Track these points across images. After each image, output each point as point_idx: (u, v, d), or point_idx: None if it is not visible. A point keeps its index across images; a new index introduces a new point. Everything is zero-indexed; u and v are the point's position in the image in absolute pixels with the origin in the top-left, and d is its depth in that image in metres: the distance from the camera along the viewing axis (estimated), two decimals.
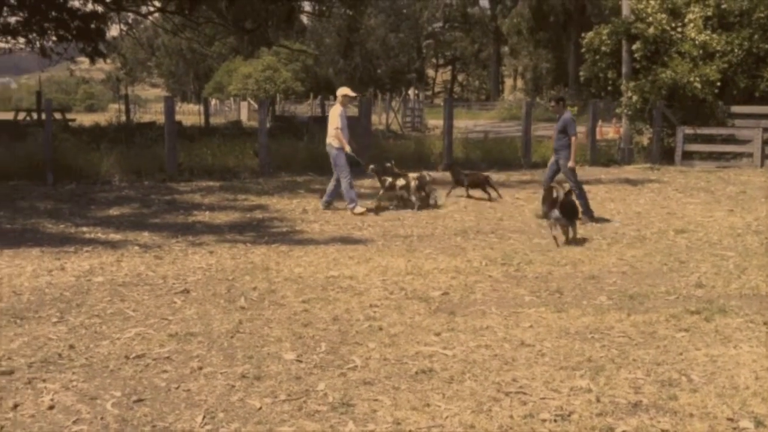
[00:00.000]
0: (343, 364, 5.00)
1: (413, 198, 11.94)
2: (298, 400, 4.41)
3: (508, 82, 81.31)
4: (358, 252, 8.72)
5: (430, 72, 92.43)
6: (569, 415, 4.18)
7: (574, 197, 9.96)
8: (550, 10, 59.37)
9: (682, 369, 4.91)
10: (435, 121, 37.15)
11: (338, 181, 11.67)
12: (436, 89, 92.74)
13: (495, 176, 16.37)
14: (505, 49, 74.02)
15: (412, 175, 12.15)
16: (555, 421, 4.11)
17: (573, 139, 10.75)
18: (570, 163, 10.75)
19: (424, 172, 12.45)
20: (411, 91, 44.30)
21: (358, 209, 11.38)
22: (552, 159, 11.32)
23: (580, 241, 9.20)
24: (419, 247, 8.99)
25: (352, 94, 11.96)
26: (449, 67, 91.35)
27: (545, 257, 8.37)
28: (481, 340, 5.47)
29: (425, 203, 12.13)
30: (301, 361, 5.06)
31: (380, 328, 5.77)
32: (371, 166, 12.25)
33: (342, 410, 4.27)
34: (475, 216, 11.41)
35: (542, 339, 5.51)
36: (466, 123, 31.16)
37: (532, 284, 7.18)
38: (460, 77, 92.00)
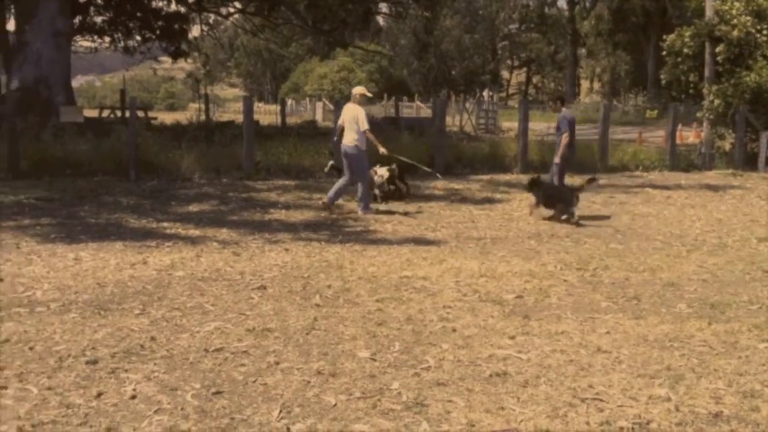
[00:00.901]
0: (417, 364, 5.02)
1: (376, 191, 12.50)
2: (372, 398, 4.45)
3: (584, 84, 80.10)
4: (431, 253, 8.73)
5: (505, 73, 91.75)
6: (647, 424, 4.11)
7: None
8: (629, 12, 58.26)
9: (764, 380, 4.77)
10: (509, 123, 36.89)
11: (349, 181, 11.58)
12: (510, 91, 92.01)
13: (571, 180, 16.21)
14: (582, 50, 72.97)
15: (382, 169, 12.56)
16: (633, 429, 4.05)
17: (564, 136, 11.46)
18: (556, 159, 11.61)
19: (394, 166, 12.71)
20: (485, 93, 44.07)
21: (370, 215, 11.34)
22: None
23: (657, 248, 9.02)
24: (492, 250, 8.95)
25: (369, 94, 12.19)
26: (524, 69, 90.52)
27: (622, 263, 8.23)
28: (557, 345, 5.42)
29: (395, 196, 12.83)
30: (375, 360, 5.11)
31: (454, 330, 5.78)
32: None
33: (416, 410, 4.29)
34: (549, 219, 11.28)
35: (619, 346, 5.42)
36: (541, 125, 30.83)
37: (608, 290, 7.07)
38: (535, 79, 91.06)
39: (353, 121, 11.13)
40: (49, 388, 4.53)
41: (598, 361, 5.10)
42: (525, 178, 15.80)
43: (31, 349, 5.22)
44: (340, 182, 11.61)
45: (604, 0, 60.43)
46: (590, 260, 8.36)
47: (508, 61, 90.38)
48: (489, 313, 6.24)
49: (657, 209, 12.44)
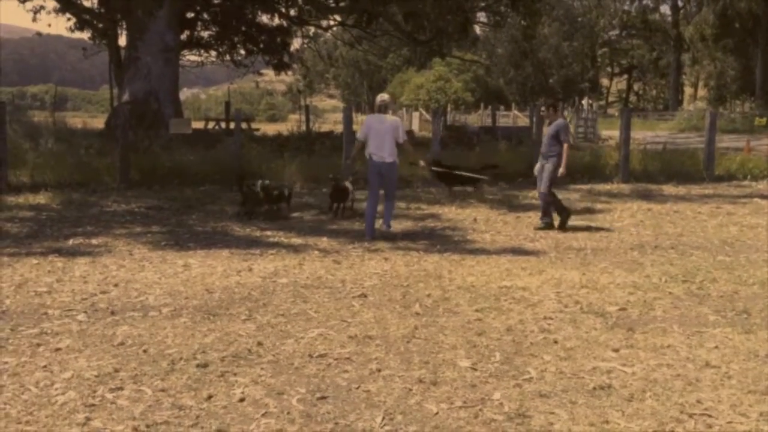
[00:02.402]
0: (518, 375, 5.01)
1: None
2: (474, 408, 4.47)
3: (688, 91, 77.73)
4: (530, 263, 8.67)
5: (604, 81, 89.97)
6: None
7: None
8: (736, 15, 56.24)
9: None
10: (608, 132, 36.12)
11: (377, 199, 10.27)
12: (610, 99, 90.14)
13: (674, 190, 15.81)
14: (686, 56, 70.88)
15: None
16: None
17: (566, 146, 10.78)
18: (561, 170, 10.80)
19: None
20: (584, 101, 43.33)
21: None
22: (538, 166, 11.12)
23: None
24: (593, 261, 8.81)
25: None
26: (625, 76, 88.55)
27: (731, 276, 7.97)
28: (663, 359, 5.31)
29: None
30: (476, 369, 5.12)
31: (555, 341, 5.73)
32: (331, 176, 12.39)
33: (518, 421, 4.28)
34: (652, 230, 11.03)
35: (728, 361, 5.26)
36: (644, 134, 30.11)
37: (716, 303, 6.86)
38: (636, 86, 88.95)
39: (391, 131, 9.96)
40: (162, 390, 4.73)
41: (706, 376, 4.97)
42: (627, 188, 15.55)
43: (144, 351, 5.46)
44: (371, 205, 10.14)
45: (710, 4, 58.54)
46: (696, 272, 8.13)
47: (608, 69, 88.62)
48: (591, 325, 6.16)
49: (766, 220, 11.97)
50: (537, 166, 11.20)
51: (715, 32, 58.23)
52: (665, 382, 4.88)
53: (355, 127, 17.62)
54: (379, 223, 10.35)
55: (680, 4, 71.31)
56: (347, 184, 11.95)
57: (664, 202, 14.10)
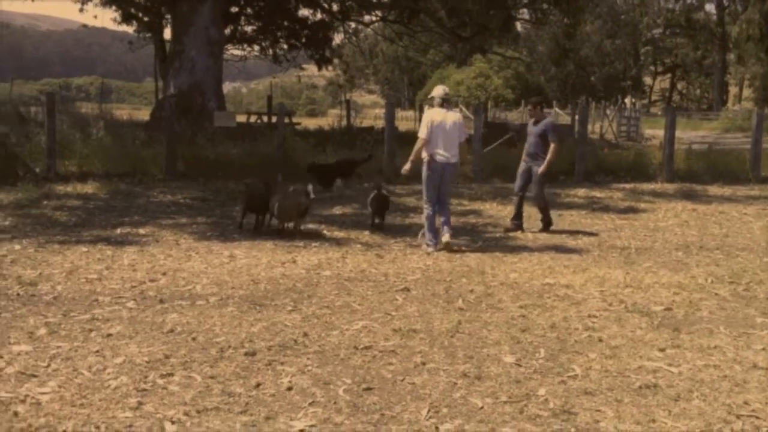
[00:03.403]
0: (563, 372, 5.02)
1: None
2: (519, 403, 4.49)
3: (732, 90, 76.45)
4: (573, 261, 8.65)
5: (647, 79, 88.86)
6: None
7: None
8: None
9: None
10: (651, 131, 35.78)
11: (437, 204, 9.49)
12: (653, 98, 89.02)
13: (720, 190, 15.61)
14: (731, 56, 69.70)
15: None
16: None
17: (553, 145, 10.23)
18: (541, 169, 10.25)
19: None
20: (627, 99, 42.86)
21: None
22: (523, 167, 10.62)
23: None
24: (638, 260, 8.76)
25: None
26: (668, 75, 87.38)
27: None
28: (709, 360, 5.28)
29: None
30: (520, 365, 5.14)
31: (600, 339, 5.72)
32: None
33: (563, 417, 4.30)
34: (697, 231, 10.92)
35: None
36: (687, 134, 29.75)
37: (763, 305, 6.79)
38: (680, 85, 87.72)
39: (457, 129, 9.13)
40: (211, 377, 4.83)
41: (753, 378, 4.94)
42: (671, 188, 15.39)
43: (193, 339, 5.57)
44: (432, 212, 9.27)
45: (755, 3, 57.41)
46: (743, 274, 8.05)
47: (651, 67, 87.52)
48: (636, 324, 6.14)
49: None
50: (522, 167, 10.60)
51: (762, 31, 57.11)
52: (712, 382, 4.86)
53: (397, 123, 17.70)
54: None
55: (725, 2, 70.15)
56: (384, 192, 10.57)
57: (709, 202, 13.94)
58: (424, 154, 9.14)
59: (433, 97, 9.36)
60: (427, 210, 9.27)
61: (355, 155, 15.50)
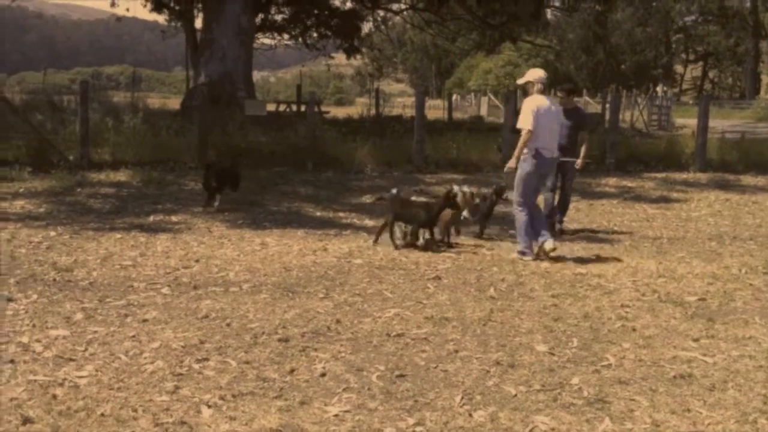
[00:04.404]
0: (597, 361, 5.01)
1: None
2: (552, 391, 4.49)
3: (765, 80, 75.27)
4: (604, 251, 8.60)
5: (678, 68, 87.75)
6: None
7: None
8: None
9: None
10: (682, 120, 35.36)
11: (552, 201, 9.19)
12: (684, 86, 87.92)
13: (753, 180, 15.41)
14: (764, 44, 68.62)
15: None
16: None
17: (587, 137, 9.63)
18: (581, 163, 9.44)
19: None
20: (659, 88, 42.38)
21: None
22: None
23: None
24: (670, 250, 8.69)
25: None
26: (700, 63, 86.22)
27: None
28: (744, 350, 5.23)
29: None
30: (553, 354, 5.13)
31: (633, 329, 5.69)
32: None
33: (597, 406, 4.29)
34: (731, 221, 10.81)
35: None
36: (720, 122, 29.37)
37: None
38: (711, 74, 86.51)
39: (558, 119, 8.32)
40: (246, 362, 4.88)
41: None
42: (704, 178, 15.22)
43: (228, 325, 5.63)
44: (529, 215, 8.15)
45: None
46: None
47: (683, 55, 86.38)
48: (670, 314, 6.10)
49: None
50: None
51: None
52: (747, 373, 4.82)
53: (426, 112, 17.64)
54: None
55: None
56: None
57: (743, 192, 13.79)
58: (525, 149, 7.98)
59: (530, 82, 8.11)
60: (521, 212, 8.11)
61: None
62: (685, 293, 6.74)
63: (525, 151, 7.96)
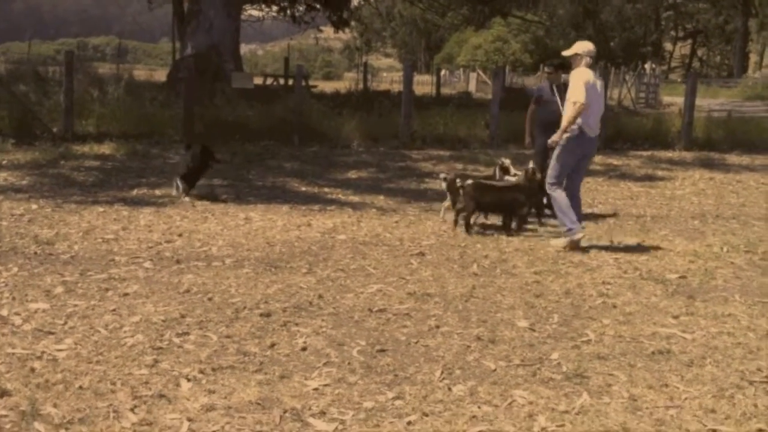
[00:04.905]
0: (577, 337, 5.04)
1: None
2: (532, 366, 4.52)
3: (753, 58, 75.28)
4: (588, 228, 8.58)
5: (667, 45, 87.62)
6: None
7: None
8: None
9: None
10: (670, 98, 35.30)
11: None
12: (673, 64, 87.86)
13: (738, 159, 15.47)
14: (752, 22, 68.56)
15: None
16: None
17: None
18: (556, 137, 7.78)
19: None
20: (648, 65, 42.33)
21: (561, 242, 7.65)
22: (542, 142, 8.68)
23: None
24: (653, 228, 8.73)
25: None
26: (689, 41, 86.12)
27: None
28: (723, 327, 5.28)
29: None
30: (534, 330, 5.16)
31: (614, 306, 5.73)
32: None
33: (576, 381, 4.32)
34: (714, 200, 10.85)
35: None
36: (707, 101, 29.44)
37: None
38: (700, 52, 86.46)
39: (603, 94, 7.86)
40: (227, 337, 4.88)
41: (767, 345, 4.93)
42: (689, 156, 15.27)
43: (210, 299, 5.62)
44: (561, 191, 7.62)
45: None
46: (759, 243, 7.99)
47: (672, 32, 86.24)
48: (651, 291, 6.14)
49: None
50: (541, 143, 8.84)
51: None
52: (725, 349, 4.86)
53: (414, 87, 17.56)
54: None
55: None
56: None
57: (727, 171, 13.83)
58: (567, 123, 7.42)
59: (578, 54, 7.53)
60: (554, 191, 7.59)
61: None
62: (666, 271, 6.77)
63: (572, 128, 7.40)
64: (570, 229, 7.46)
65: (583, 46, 7.59)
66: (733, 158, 15.60)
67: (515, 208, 8.06)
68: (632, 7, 75.89)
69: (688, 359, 4.66)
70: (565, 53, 7.77)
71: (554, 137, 7.66)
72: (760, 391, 4.22)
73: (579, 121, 7.37)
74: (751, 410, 3.96)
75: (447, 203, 8.61)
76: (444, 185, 8.54)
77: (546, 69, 9.35)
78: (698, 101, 18.09)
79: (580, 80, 7.34)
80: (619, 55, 72.14)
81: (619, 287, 6.23)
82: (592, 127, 7.47)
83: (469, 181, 8.22)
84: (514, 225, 8.22)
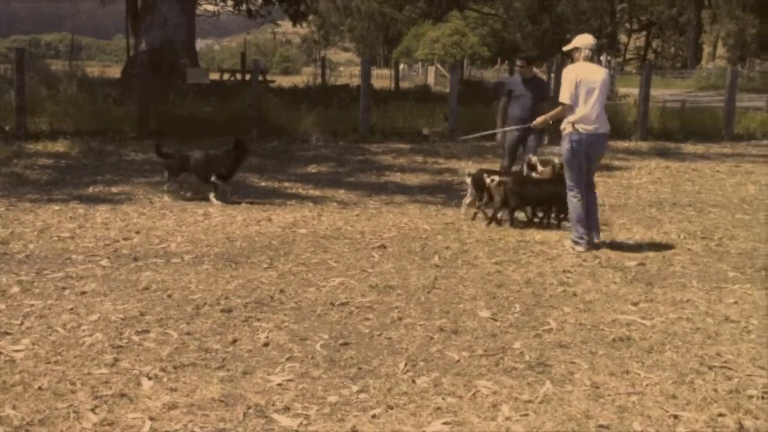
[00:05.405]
0: (538, 326, 5.06)
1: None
2: (495, 356, 4.53)
3: (706, 49, 76.59)
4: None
5: (622, 37, 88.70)
6: None
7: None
8: None
9: None
10: (625, 89, 35.71)
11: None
12: (628, 56, 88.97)
13: (693, 148, 15.71)
14: (705, 14, 69.70)
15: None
16: (763, 398, 3.98)
17: (545, 107, 8.55)
18: (540, 120, 8.09)
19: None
20: (603, 57, 42.75)
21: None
22: (515, 137, 9.29)
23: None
24: (611, 217, 8.81)
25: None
26: (643, 33, 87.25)
27: (749, 233, 7.97)
28: (682, 313, 5.35)
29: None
30: (496, 320, 5.18)
31: (575, 294, 5.77)
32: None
33: (539, 369, 4.34)
34: (670, 188, 11.01)
35: (748, 316, 5.30)
36: (662, 92, 29.85)
37: (735, 260, 6.88)
38: (655, 43, 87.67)
39: (605, 89, 7.15)
40: (188, 333, 4.82)
41: (725, 330, 5.01)
42: (645, 146, 15.46)
43: (169, 296, 5.55)
44: (577, 199, 7.16)
45: None
46: (715, 230, 8.13)
47: (627, 25, 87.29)
48: (610, 279, 6.20)
49: None
50: (513, 138, 9.27)
51: None
52: (685, 335, 4.93)
53: (372, 81, 17.53)
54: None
55: None
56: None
57: (683, 160, 14.04)
58: (565, 124, 7.10)
59: (578, 48, 7.15)
60: (573, 197, 7.19)
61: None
62: (625, 258, 6.84)
63: (567, 128, 7.06)
64: (575, 242, 7.15)
65: (582, 40, 7.20)
66: (688, 147, 15.85)
67: (558, 200, 7.85)
68: (588, 0, 76.68)
69: (648, 345, 4.72)
70: (566, 48, 7.38)
71: (538, 120, 7.94)
72: (719, 376, 4.28)
73: (571, 118, 7.01)
74: (712, 395, 4.02)
75: (469, 199, 8.56)
76: (468, 180, 8.49)
77: (518, 62, 9.24)
78: (653, 92, 18.33)
79: (568, 77, 7.02)
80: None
81: (579, 275, 6.29)
82: (584, 124, 6.99)
83: (468, 172, 8.37)
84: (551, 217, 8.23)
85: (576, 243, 7.14)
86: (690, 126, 17.56)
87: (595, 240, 7.24)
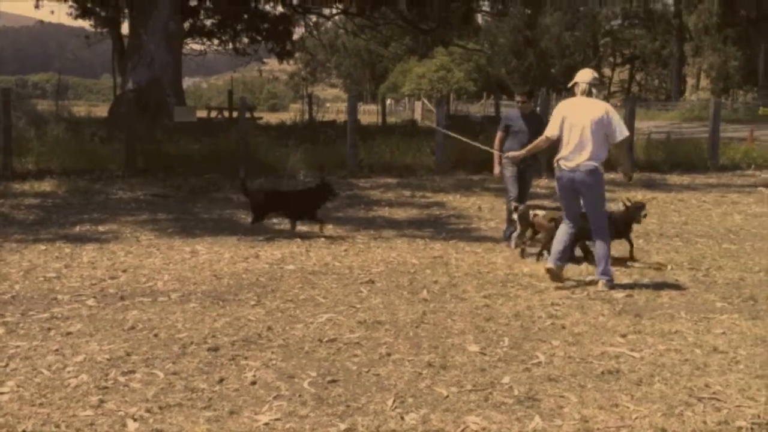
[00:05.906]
0: (527, 360, 5.05)
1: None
2: (484, 391, 4.50)
3: (690, 81, 77.55)
4: (535, 250, 8.67)
5: (606, 71, 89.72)
6: (767, 425, 4.02)
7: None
8: (740, 4, 56.07)
9: None
10: None
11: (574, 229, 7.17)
12: (612, 89, 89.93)
13: (678, 179, 15.82)
14: (688, 47, 70.70)
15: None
16: (752, 429, 3.97)
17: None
18: (519, 153, 8.11)
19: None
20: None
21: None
22: (513, 172, 8.87)
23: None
24: None
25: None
26: (627, 66, 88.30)
27: (736, 263, 8.00)
28: (670, 344, 5.34)
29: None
30: (485, 354, 5.16)
31: (563, 327, 5.76)
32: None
33: (528, 404, 4.32)
34: (657, 219, 11.04)
35: (736, 346, 5.30)
36: (646, 124, 30.13)
37: (722, 290, 6.90)
38: (638, 76, 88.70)
39: (601, 126, 6.83)
40: (174, 373, 4.77)
41: (714, 361, 5.01)
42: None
43: (155, 336, 5.50)
44: (565, 233, 7.07)
45: None
46: (702, 260, 8.16)
47: (611, 58, 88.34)
48: (599, 311, 6.20)
49: None
50: (512, 172, 8.87)
51: (718, 22, 58.07)
52: (673, 366, 4.92)
53: (359, 117, 17.65)
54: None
55: None
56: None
57: (669, 191, 14.13)
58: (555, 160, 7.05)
59: (576, 83, 7.06)
60: (565, 225, 7.17)
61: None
62: (613, 290, 6.84)
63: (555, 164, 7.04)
64: (547, 259, 7.12)
65: (581, 75, 7.11)
66: (674, 178, 15.96)
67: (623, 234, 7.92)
68: (571, 35, 77.72)
69: (637, 378, 4.70)
70: (570, 85, 7.25)
71: (516, 153, 8.12)
72: (708, 407, 4.27)
73: (558, 155, 6.97)
74: (701, 427, 4.00)
75: (517, 234, 8.54)
76: (515, 216, 8.48)
77: (517, 98, 9.16)
78: (638, 124, 18.51)
79: (558, 111, 7.02)
80: (560, 81, 73.57)
81: (568, 308, 6.28)
82: (566, 162, 6.87)
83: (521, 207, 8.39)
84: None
85: (608, 281, 6.89)
86: (675, 157, 17.71)
87: (605, 279, 6.95)
